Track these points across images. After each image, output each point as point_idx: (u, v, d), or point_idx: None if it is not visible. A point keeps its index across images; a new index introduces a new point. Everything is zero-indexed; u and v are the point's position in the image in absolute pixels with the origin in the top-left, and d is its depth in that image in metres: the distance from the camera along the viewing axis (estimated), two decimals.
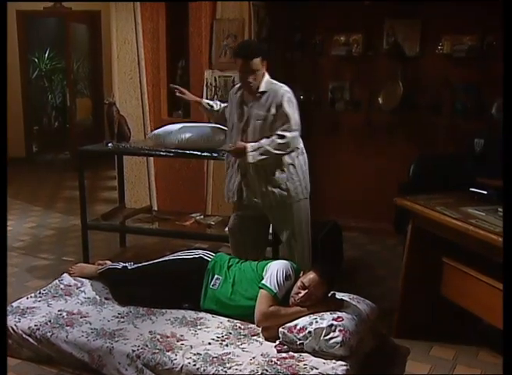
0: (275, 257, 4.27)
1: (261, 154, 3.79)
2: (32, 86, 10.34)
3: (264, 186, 3.92)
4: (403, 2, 5.54)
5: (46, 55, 10.59)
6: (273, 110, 3.84)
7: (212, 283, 3.65)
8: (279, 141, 3.80)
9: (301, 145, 3.99)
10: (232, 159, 4.00)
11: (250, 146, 3.80)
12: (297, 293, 3.39)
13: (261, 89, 3.87)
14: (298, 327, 3.22)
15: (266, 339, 3.34)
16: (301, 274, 3.49)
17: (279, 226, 4.09)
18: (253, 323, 3.45)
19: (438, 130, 5.74)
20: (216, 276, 3.67)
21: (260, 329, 3.41)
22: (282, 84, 3.93)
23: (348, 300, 3.58)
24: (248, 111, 3.91)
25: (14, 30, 9.26)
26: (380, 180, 5.85)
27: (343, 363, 3.08)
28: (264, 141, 3.81)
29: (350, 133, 6.06)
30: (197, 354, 3.15)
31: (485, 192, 3.72)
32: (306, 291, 3.37)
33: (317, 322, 3.22)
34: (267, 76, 3.91)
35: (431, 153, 5.53)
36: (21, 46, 9.56)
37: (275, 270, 3.49)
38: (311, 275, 3.40)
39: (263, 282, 3.47)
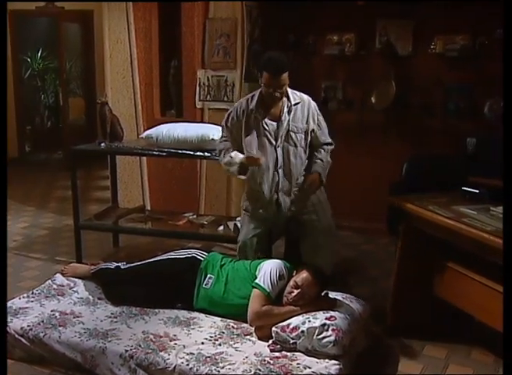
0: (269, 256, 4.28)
1: (327, 169, 3.94)
2: (24, 85, 10.31)
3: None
4: (395, 3, 5.54)
5: (38, 54, 10.54)
6: (311, 121, 3.88)
7: (205, 283, 3.64)
8: (331, 147, 4.00)
9: None
10: (264, 177, 3.85)
11: (321, 170, 3.87)
12: (290, 292, 3.40)
13: (294, 101, 3.86)
14: (291, 327, 3.22)
15: (259, 338, 3.34)
16: (294, 273, 3.50)
17: (310, 230, 4.02)
18: (246, 322, 3.46)
19: (430, 129, 5.75)
20: (209, 275, 3.67)
21: (253, 328, 3.41)
22: (301, 93, 3.96)
23: (341, 299, 3.59)
24: (282, 125, 3.83)
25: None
26: (373, 180, 5.86)
27: (336, 362, 3.08)
28: (323, 157, 3.92)
29: (343, 133, 6.04)
30: (190, 353, 3.15)
31: (477, 191, 3.73)
32: (299, 290, 3.37)
33: (310, 321, 3.22)
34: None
35: (423, 152, 5.54)
36: (13, 46, 9.54)
37: (268, 269, 3.49)
38: (304, 274, 3.41)
39: (256, 281, 3.47)
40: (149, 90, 6.34)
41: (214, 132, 4.72)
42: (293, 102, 3.85)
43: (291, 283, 3.43)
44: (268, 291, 3.41)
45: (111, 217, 5.26)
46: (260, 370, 3.00)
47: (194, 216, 5.29)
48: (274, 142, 3.83)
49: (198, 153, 4.70)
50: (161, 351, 3.17)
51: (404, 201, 3.75)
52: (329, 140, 3.99)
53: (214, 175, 6.11)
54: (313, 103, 3.94)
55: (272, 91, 3.73)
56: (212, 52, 5.94)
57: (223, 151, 3.95)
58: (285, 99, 3.85)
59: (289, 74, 3.75)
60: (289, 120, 3.82)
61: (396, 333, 3.75)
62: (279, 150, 3.83)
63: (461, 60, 5.50)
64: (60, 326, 3.44)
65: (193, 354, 3.14)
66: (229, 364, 3.06)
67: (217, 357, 3.12)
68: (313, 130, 3.89)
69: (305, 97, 3.93)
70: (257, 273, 3.55)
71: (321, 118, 3.96)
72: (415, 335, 3.73)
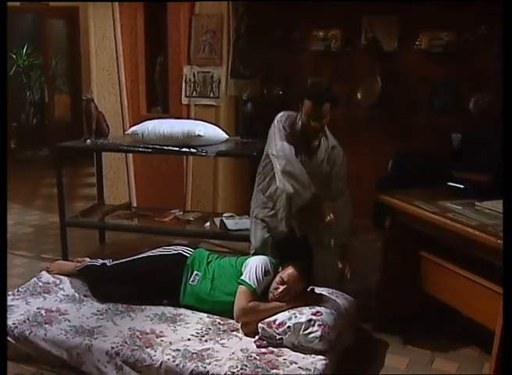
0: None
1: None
2: (10, 82, 10.24)
3: None
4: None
5: (24, 51, 10.46)
6: (335, 169, 3.86)
7: (191, 280, 3.64)
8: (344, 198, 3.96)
9: None
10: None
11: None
12: (276, 288, 3.40)
13: (331, 144, 3.83)
14: (277, 322, 3.23)
15: (245, 334, 3.34)
16: (280, 269, 3.50)
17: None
18: (232, 318, 3.45)
19: (416, 125, 5.76)
20: (195, 272, 3.66)
21: (239, 324, 3.41)
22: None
23: (327, 294, 3.59)
24: (315, 162, 3.81)
25: None
26: (359, 176, 5.86)
27: (323, 358, 3.09)
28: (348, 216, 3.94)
29: (329, 129, 6.06)
30: (177, 350, 3.14)
31: (462, 186, 3.75)
32: (285, 286, 3.38)
33: (296, 317, 3.22)
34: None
35: (409, 148, 5.56)
36: None
37: (254, 266, 3.49)
38: (290, 270, 3.41)
39: (242, 277, 3.47)
40: (135, 86, 6.32)
41: (200, 128, 4.72)
42: (330, 145, 3.82)
43: (277, 279, 3.43)
44: (253, 287, 3.41)
45: (97, 214, 5.24)
46: (246, 366, 3.00)
47: (181, 213, 5.28)
48: None
49: (184, 149, 4.68)
50: (147, 347, 3.16)
51: (390, 197, 3.76)
52: (343, 190, 3.94)
53: (200, 171, 6.11)
54: (343, 153, 3.91)
55: (312, 121, 3.65)
56: (198, 48, 5.94)
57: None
58: (324, 139, 3.81)
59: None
60: (322, 160, 3.80)
61: (383, 328, 3.76)
62: None
63: (446, 56, 5.53)
64: (46, 323, 3.42)
65: (180, 350, 3.14)
66: (216, 360, 3.05)
67: (203, 353, 3.12)
68: (330, 178, 3.86)
69: (336, 143, 3.90)
70: (243, 269, 3.55)
71: (343, 169, 3.92)
72: (401, 330, 3.75)
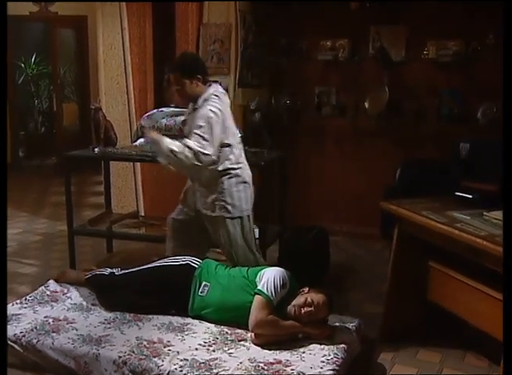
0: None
1: None
2: (18, 91, 10.30)
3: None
4: (388, 8, 5.56)
5: (32, 60, 10.54)
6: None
7: (200, 291, 3.60)
8: None
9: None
10: None
11: None
12: (302, 307, 3.37)
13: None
14: None
15: (256, 345, 3.30)
16: (306, 290, 3.47)
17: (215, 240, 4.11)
18: (240, 328, 3.44)
19: (424, 134, 5.76)
20: (204, 283, 3.64)
21: (247, 334, 3.39)
22: None
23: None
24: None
25: None
26: (366, 185, 5.87)
27: (330, 368, 3.08)
28: None
29: (336, 138, 6.08)
30: (184, 359, 3.13)
31: (470, 196, 3.74)
32: (311, 308, 3.35)
33: None
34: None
35: (417, 158, 5.56)
36: (7, 51, 9.52)
37: (272, 276, 3.45)
38: (320, 295, 3.40)
39: (259, 288, 3.42)
40: (143, 95, 6.34)
41: None
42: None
43: (308, 299, 3.39)
44: (271, 298, 3.37)
45: (104, 223, 5.24)
46: None
47: None
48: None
49: None
50: (154, 357, 3.15)
51: (397, 206, 3.75)
52: None
53: None
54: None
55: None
56: (206, 58, 5.95)
57: None
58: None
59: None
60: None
61: (390, 338, 3.75)
62: None
63: (454, 65, 5.53)
64: (53, 332, 3.42)
65: (187, 360, 3.13)
66: (223, 370, 3.04)
67: (211, 363, 3.10)
68: None
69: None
70: (257, 279, 3.50)
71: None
72: (409, 339, 3.73)
